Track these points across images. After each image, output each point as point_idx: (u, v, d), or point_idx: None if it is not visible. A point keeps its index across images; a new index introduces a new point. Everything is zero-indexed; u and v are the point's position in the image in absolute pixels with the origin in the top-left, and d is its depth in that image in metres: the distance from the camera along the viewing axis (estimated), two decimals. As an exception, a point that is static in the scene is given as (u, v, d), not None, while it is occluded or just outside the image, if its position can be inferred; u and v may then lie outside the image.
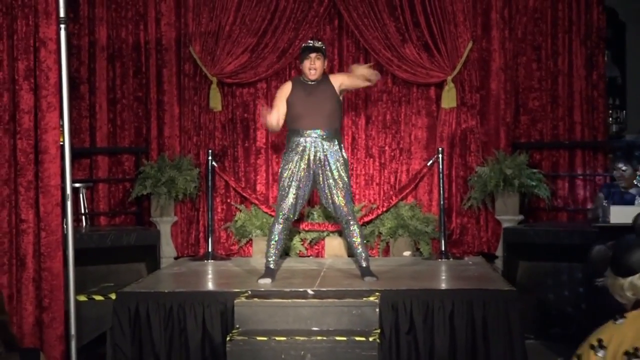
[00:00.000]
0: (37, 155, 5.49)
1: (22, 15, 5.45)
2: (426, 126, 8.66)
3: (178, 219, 8.63)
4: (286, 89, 6.81)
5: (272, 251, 6.78)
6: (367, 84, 6.94)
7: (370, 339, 5.71)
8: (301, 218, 8.07)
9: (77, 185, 8.33)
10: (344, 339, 5.71)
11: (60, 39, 5.42)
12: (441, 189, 8.20)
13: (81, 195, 8.50)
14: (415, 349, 6.05)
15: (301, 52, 6.79)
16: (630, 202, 6.02)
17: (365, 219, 8.24)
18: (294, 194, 6.70)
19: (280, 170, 6.82)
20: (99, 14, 8.69)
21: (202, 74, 8.66)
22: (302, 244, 8.36)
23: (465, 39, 8.46)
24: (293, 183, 6.68)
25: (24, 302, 5.47)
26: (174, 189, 8.37)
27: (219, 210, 8.64)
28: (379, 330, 5.89)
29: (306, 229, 8.33)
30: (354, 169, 8.57)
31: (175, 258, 8.52)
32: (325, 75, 6.84)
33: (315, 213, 8.39)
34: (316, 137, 6.66)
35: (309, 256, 8.38)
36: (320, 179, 6.70)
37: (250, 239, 8.46)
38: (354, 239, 6.81)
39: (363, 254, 6.81)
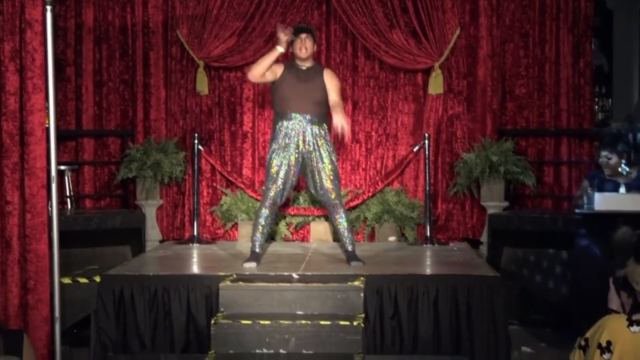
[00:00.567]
0: (22, 137, 5.48)
1: (8, -5, 5.43)
2: (413, 112, 8.68)
3: (163, 202, 8.63)
4: (277, 67, 6.82)
5: (258, 235, 6.80)
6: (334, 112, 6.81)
7: (355, 323, 5.74)
8: (287, 203, 8.08)
9: (62, 167, 8.33)
10: (329, 323, 5.75)
11: (46, 20, 5.40)
12: (427, 174, 8.23)
13: (66, 177, 8.49)
14: (399, 334, 6.09)
15: (292, 34, 6.81)
16: (615, 190, 6.05)
17: (351, 204, 8.26)
18: (282, 180, 6.71)
19: (268, 155, 6.83)
20: (85, -4, 8.66)
21: (189, 58, 8.64)
22: (288, 229, 8.38)
23: (452, 26, 8.47)
24: (282, 168, 6.69)
25: (9, 284, 5.47)
26: (160, 172, 8.37)
27: (205, 194, 8.65)
28: (363, 315, 5.92)
29: (292, 213, 8.34)
30: (340, 154, 8.57)
31: (161, 241, 8.53)
32: (319, 66, 6.87)
33: (301, 198, 8.41)
34: (305, 121, 6.68)
35: (294, 240, 8.40)
36: (310, 162, 6.72)
37: (236, 223, 8.47)
38: (340, 225, 6.84)
39: (349, 239, 6.84)
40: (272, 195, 6.73)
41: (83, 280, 6.37)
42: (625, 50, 11.15)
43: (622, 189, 5.99)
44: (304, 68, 6.80)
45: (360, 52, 8.72)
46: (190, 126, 8.67)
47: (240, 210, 8.39)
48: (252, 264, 6.68)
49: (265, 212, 6.77)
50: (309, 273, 6.40)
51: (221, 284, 6.07)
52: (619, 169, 6.17)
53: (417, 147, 8.40)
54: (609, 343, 4.05)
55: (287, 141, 6.69)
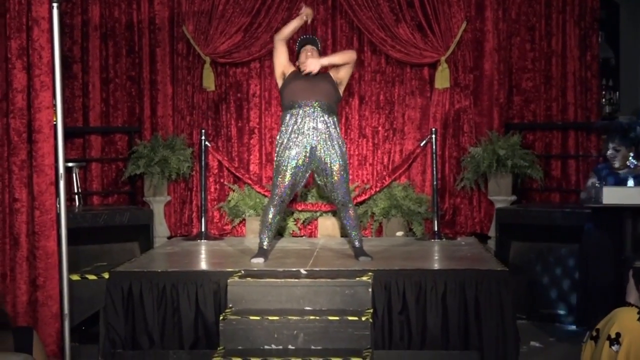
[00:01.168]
0: (30, 134, 5.49)
1: (15, -7, 5.44)
2: (419, 106, 8.67)
3: (171, 198, 8.64)
4: (289, 67, 6.85)
5: (266, 232, 6.79)
6: (352, 63, 6.84)
7: (363, 318, 5.73)
8: (295, 198, 8.08)
9: (70, 164, 8.35)
10: (337, 318, 5.74)
11: (53, 17, 5.40)
12: (434, 169, 8.21)
13: (74, 174, 8.50)
14: (407, 329, 6.08)
15: (297, 47, 6.86)
16: (623, 183, 6.03)
17: (359, 199, 8.25)
18: (291, 176, 6.68)
19: (276, 150, 6.79)
20: (92, -7, 8.67)
21: (196, 54, 8.65)
22: (296, 224, 8.38)
23: (459, 19, 8.46)
24: (291, 165, 6.66)
25: (17, 280, 5.48)
26: (167, 169, 8.38)
27: (212, 190, 8.65)
28: (371, 310, 5.91)
29: (299, 209, 8.34)
30: (348, 149, 8.55)
31: (169, 238, 8.54)
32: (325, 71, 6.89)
33: (308, 194, 8.40)
34: (313, 108, 6.63)
35: (302, 236, 8.40)
36: (319, 156, 6.65)
37: (244, 219, 8.47)
38: (348, 220, 6.82)
39: (357, 235, 6.83)
40: (280, 191, 6.71)
41: (92, 277, 6.37)
42: (632, 43, 11.10)
43: (630, 182, 5.97)
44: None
45: (367, 47, 8.71)
46: (197, 122, 8.68)
47: (248, 206, 8.39)
48: (260, 260, 6.68)
49: (273, 209, 6.75)
50: (317, 269, 6.39)
51: (229, 280, 6.07)
52: (627, 162, 6.15)
53: (424, 142, 8.39)
54: (618, 335, 4.05)
55: (296, 135, 6.63)
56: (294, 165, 6.65)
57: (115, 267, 6.50)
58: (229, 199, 8.55)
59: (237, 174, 8.59)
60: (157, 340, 6.18)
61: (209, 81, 8.63)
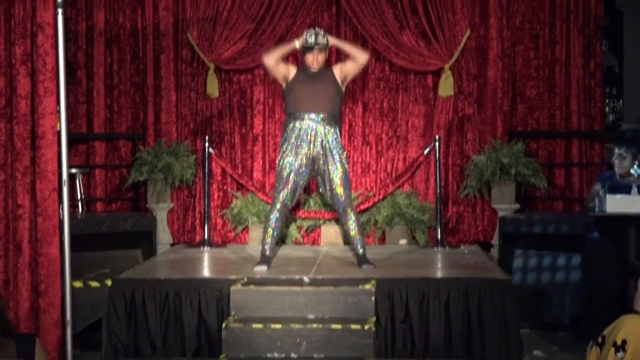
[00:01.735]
0: (33, 140, 5.48)
1: (20, -1, 5.43)
2: (423, 114, 8.65)
3: (174, 205, 8.62)
4: (291, 70, 6.82)
5: (268, 239, 6.78)
6: (359, 62, 6.83)
7: (366, 327, 5.72)
8: (298, 206, 8.07)
9: (73, 171, 8.33)
10: (340, 326, 5.73)
11: (57, 23, 5.39)
12: (438, 177, 8.19)
13: (78, 181, 8.49)
14: (410, 337, 6.06)
15: (303, 47, 6.73)
16: (627, 192, 6.01)
17: (362, 207, 8.23)
18: (292, 182, 6.68)
19: (278, 157, 6.79)
20: (96, -1, 8.67)
21: (200, 60, 8.64)
22: (299, 232, 8.35)
23: (463, 27, 8.45)
24: (292, 171, 6.66)
25: (19, 287, 5.47)
26: (171, 175, 8.36)
27: (216, 197, 8.64)
28: (374, 318, 5.90)
29: (302, 216, 8.32)
30: (351, 156, 8.55)
31: (172, 245, 8.52)
32: (328, 67, 6.85)
33: (311, 200, 8.38)
34: (316, 121, 6.64)
35: (305, 244, 8.38)
36: (320, 164, 6.67)
37: (247, 226, 8.45)
38: (351, 227, 6.80)
39: (360, 242, 6.81)
40: (282, 198, 6.70)
41: (94, 283, 6.36)
42: (636, 51, 11.07)
43: (635, 191, 5.95)
44: (315, 71, 6.75)
45: (371, 54, 8.68)
46: (201, 129, 8.66)
47: (251, 213, 8.37)
48: (263, 267, 6.66)
49: (275, 215, 6.74)
50: (320, 276, 6.37)
51: (232, 288, 6.05)
52: (631, 170, 6.13)
53: (427, 149, 8.37)
54: (624, 342, 4.03)
55: (298, 142, 6.65)
56: (295, 170, 6.65)
57: (118, 274, 6.49)
58: (232, 206, 8.53)
59: (240, 181, 8.58)
60: (160, 348, 6.16)
61: (213, 88, 8.62)
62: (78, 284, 6.21)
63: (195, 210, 8.64)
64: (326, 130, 6.66)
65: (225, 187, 8.67)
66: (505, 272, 6.64)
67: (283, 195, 6.69)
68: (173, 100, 8.72)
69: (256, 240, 8.09)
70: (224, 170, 8.63)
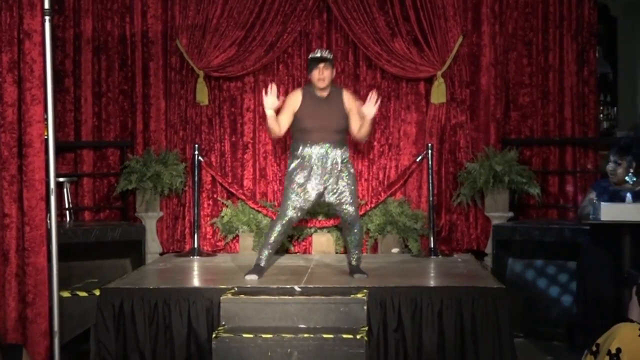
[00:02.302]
0: (20, 148, 5.47)
1: (6, 6, 5.43)
2: (415, 121, 8.67)
3: (164, 214, 8.62)
4: (295, 99, 6.74)
5: (266, 250, 6.81)
6: (360, 133, 6.78)
7: (358, 336, 5.72)
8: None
9: (61, 179, 8.33)
10: (331, 336, 5.73)
11: (45, 30, 5.41)
12: (430, 185, 8.23)
13: (65, 189, 8.49)
14: (403, 347, 6.08)
15: (309, 63, 6.73)
16: (621, 199, 6.03)
17: (354, 215, 8.24)
18: (302, 198, 6.68)
19: (288, 171, 6.77)
20: (84, 6, 8.65)
21: (189, 68, 8.65)
22: (290, 240, 8.36)
23: (455, 34, 8.47)
24: (302, 187, 6.66)
25: (7, 297, 5.46)
26: (160, 184, 8.36)
27: (205, 205, 8.64)
28: (366, 328, 5.91)
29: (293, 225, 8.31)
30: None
31: (161, 254, 8.51)
32: (337, 89, 6.83)
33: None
34: (326, 149, 6.64)
35: (296, 252, 8.39)
36: (329, 184, 6.66)
37: (237, 235, 8.46)
38: (353, 239, 6.84)
39: (357, 254, 6.86)
40: (290, 214, 6.69)
41: (82, 293, 6.35)
42: (630, 58, 11.14)
43: (629, 199, 5.97)
44: (323, 96, 6.70)
45: (362, 61, 8.73)
46: (191, 137, 8.67)
47: (241, 222, 8.37)
48: (254, 277, 6.67)
49: (279, 229, 6.74)
50: (312, 286, 6.38)
51: (222, 297, 6.05)
52: (626, 178, 6.16)
53: (420, 157, 8.40)
54: (618, 350, 4.05)
55: (307, 164, 6.65)
56: (305, 187, 6.66)
57: (106, 284, 6.49)
58: (222, 214, 8.54)
59: (230, 189, 8.58)
60: (149, 359, 6.17)
61: (203, 95, 8.63)
62: (66, 294, 6.21)
63: (184, 219, 8.64)
64: (335, 154, 6.66)
65: (215, 196, 8.68)
66: (498, 281, 6.65)
67: (291, 212, 6.69)
68: (162, 108, 8.72)
69: (247, 249, 8.16)
70: (213, 179, 8.64)
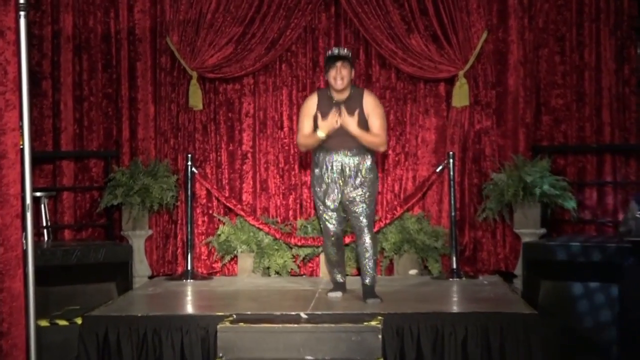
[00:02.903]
0: (-7, 160, 5.48)
1: (-24, 1, 5.45)
2: (435, 127, 8.69)
3: (153, 232, 8.64)
4: (311, 104, 6.76)
5: (336, 268, 7.03)
6: (369, 143, 6.72)
7: (372, 369, 5.72)
8: (292, 232, 8.09)
9: (38, 194, 8.36)
10: (342, 369, 5.73)
11: (19, 28, 5.41)
12: (452, 198, 8.22)
13: (43, 205, 8.50)
14: (423, 381, 6.07)
15: (325, 62, 6.71)
16: (667, 214, 6.04)
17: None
18: (335, 211, 6.77)
19: (314, 188, 6.83)
20: (63, 0, 8.69)
21: (181, 68, 8.68)
22: (294, 261, 8.36)
23: (479, 29, 8.49)
24: (331, 200, 6.73)
25: (-22, 327, 5.46)
26: (149, 199, 8.38)
27: (200, 222, 8.66)
28: (381, 359, 5.90)
29: (299, 244, 8.33)
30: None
31: (150, 277, 8.54)
32: (358, 90, 6.82)
33: (309, 226, 8.40)
34: (345, 156, 6.68)
35: (302, 275, 8.39)
36: (347, 188, 6.70)
37: (235, 256, 8.47)
38: (364, 251, 6.80)
39: (369, 271, 6.81)
40: (333, 230, 6.81)
41: (62, 322, 6.36)
42: (675, 55, 11.14)
43: (675, 213, 5.97)
44: (341, 99, 6.68)
45: (375, 60, 8.74)
46: (183, 146, 8.70)
47: (240, 240, 8.38)
48: (338, 294, 6.96)
49: (332, 248, 6.93)
50: (319, 312, 6.37)
51: (219, 326, 6.05)
52: (672, 190, 6.16)
53: (440, 167, 8.40)
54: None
55: (330, 172, 6.70)
56: (335, 199, 6.73)
57: (89, 311, 6.49)
58: (219, 232, 8.55)
59: (227, 204, 8.59)
60: (137, 395, 6.17)
61: (196, 99, 8.65)
62: (44, 323, 6.22)
63: (176, 237, 8.66)
64: (357, 161, 6.70)
65: (210, 212, 8.69)
66: (530, 306, 6.64)
67: (332, 228, 6.81)
68: (151, 113, 8.75)
69: (246, 271, 8.17)
70: (209, 193, 8.66)
